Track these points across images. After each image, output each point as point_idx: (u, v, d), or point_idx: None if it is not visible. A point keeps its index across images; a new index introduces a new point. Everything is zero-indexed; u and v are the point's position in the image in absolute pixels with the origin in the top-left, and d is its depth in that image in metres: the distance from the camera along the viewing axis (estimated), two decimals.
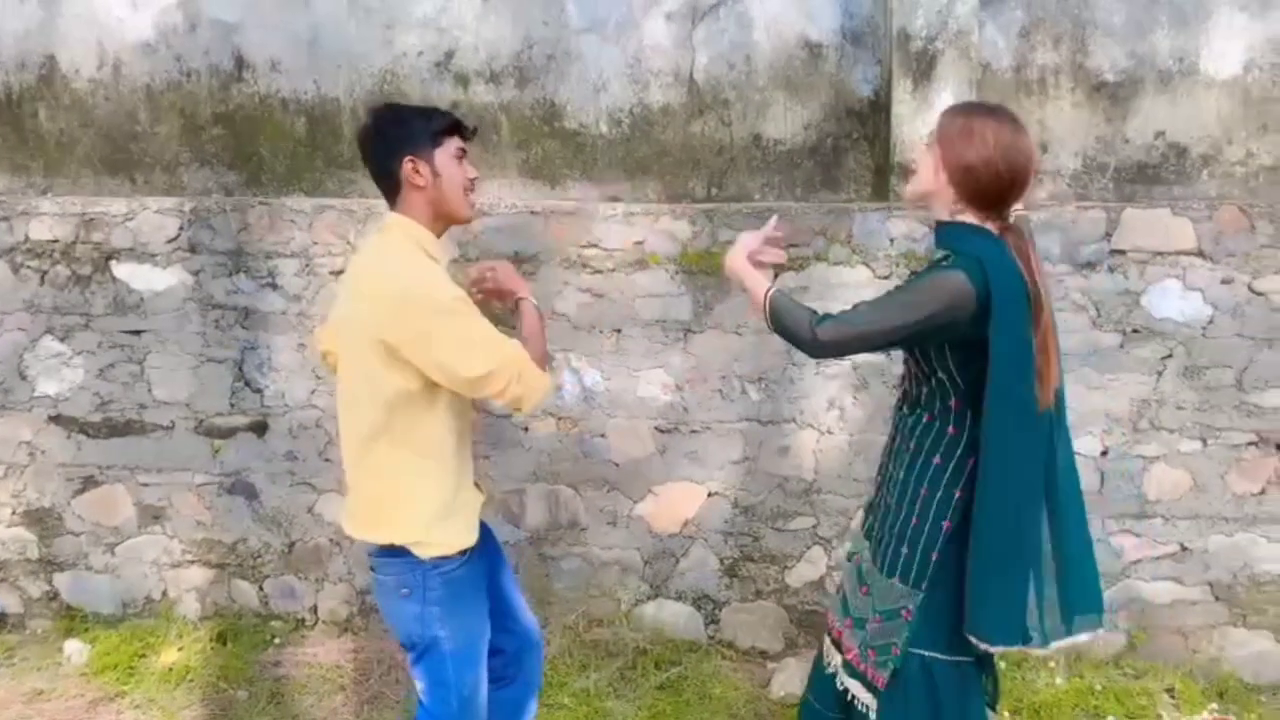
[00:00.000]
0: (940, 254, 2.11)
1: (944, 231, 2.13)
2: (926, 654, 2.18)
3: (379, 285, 2.13)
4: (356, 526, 2.29)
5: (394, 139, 2.17)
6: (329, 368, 2.45)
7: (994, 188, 2.04)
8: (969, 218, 2.08)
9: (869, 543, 2.32)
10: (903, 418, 2.26)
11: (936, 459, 2.15)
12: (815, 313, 2.09)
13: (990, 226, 2.07)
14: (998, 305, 1.98)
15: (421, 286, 2.10)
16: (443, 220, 2.23)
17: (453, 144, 2.20)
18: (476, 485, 2.39)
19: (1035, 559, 2.11)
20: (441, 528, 2.22)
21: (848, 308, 2.12)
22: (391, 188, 2.20)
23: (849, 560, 2.42)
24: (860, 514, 2.48)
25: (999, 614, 2.10)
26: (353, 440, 2.23)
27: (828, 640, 2.42)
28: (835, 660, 2.36)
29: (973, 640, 2.12)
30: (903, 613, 2.19)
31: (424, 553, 2.20)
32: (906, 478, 2.19)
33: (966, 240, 2.07)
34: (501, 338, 2.16)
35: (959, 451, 2.13)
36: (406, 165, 2.15)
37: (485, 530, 2.44)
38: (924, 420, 2.19)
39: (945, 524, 2.14)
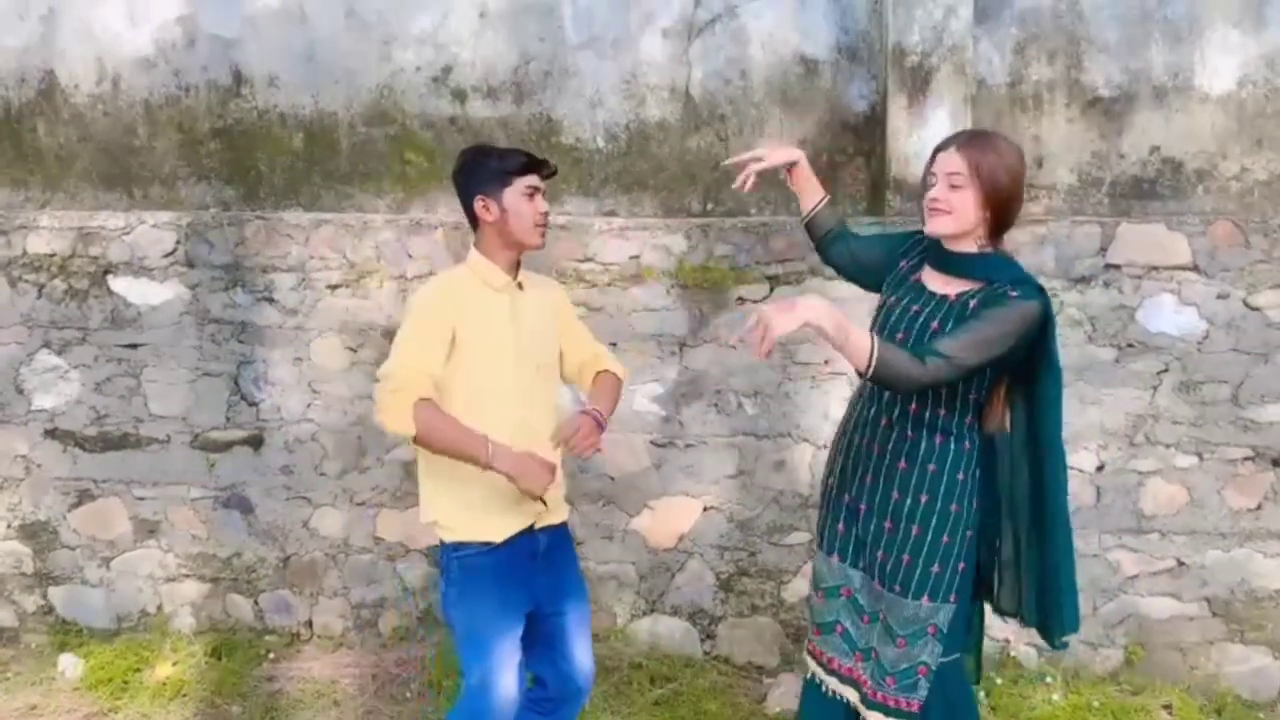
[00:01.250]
0: (1001, 285, 2.14)
1: (978, 262, 2.20)
2: (946, 660, 2.26)
3: None
4: (421, 508, 2.51)
5: (470, 178, 2.39)
6: None
7: (1016, 214, 2.22)
8: (989, 247, 2.21)
9: (858, 572, 2.32)
10: (897, 438, 2.26)
11: (960, 475, 2.22)
12: (912, 353, 2.07)
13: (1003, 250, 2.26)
14: (1050, 334, 2.16)
15: (423, 288, 2.41)
16: (513, 249, 2.42)
17: (523, 182, 2.37)
18: (541, 499, 2.38)
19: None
20: (462, 515, 2.38)
21: (939, 342, 2.08)
22: (471, 220, 2.43)
23: (835, 596, 2.37)
24: (822, 546, 2.43)
25: (1075, 602, 2.25)
26: None
27: (833, 679, 2.39)
28: (853, 696, 2.35)
29: (1061, 639, 2.26)
30: (929, 629, 2.22)
31: (446, 535, 2.41)
32: (922, 498, 2.22)
33: (1015, 269, 2.20)
34: (415, 351, 2.29)
35: (974, 465, 2.23)
36: (478, 203, 2.38)
37: (563, 554, 2.55)
38: (937, 442, 2.22)
39: (969, 534, 2.23)
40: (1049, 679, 3.38)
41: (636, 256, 3.47)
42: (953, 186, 2.14)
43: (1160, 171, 3.48)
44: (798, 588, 3.53)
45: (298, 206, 3.79)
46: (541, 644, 2.51)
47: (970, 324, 2.10)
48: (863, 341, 2.01)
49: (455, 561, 2.39)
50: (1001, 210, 2.17)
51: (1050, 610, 2.24)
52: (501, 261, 2.41)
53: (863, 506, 2.31)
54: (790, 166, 2.59)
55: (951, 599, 2.21)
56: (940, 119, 3.38)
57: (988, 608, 2.42)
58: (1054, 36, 3.46)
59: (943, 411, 2.21)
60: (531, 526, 2.43)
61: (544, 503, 2.41)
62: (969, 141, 2.18)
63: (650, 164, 3.68)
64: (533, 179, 2.39)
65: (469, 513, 2.38)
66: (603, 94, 3.66)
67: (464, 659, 2.42)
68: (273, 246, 3.60)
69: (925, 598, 2.21)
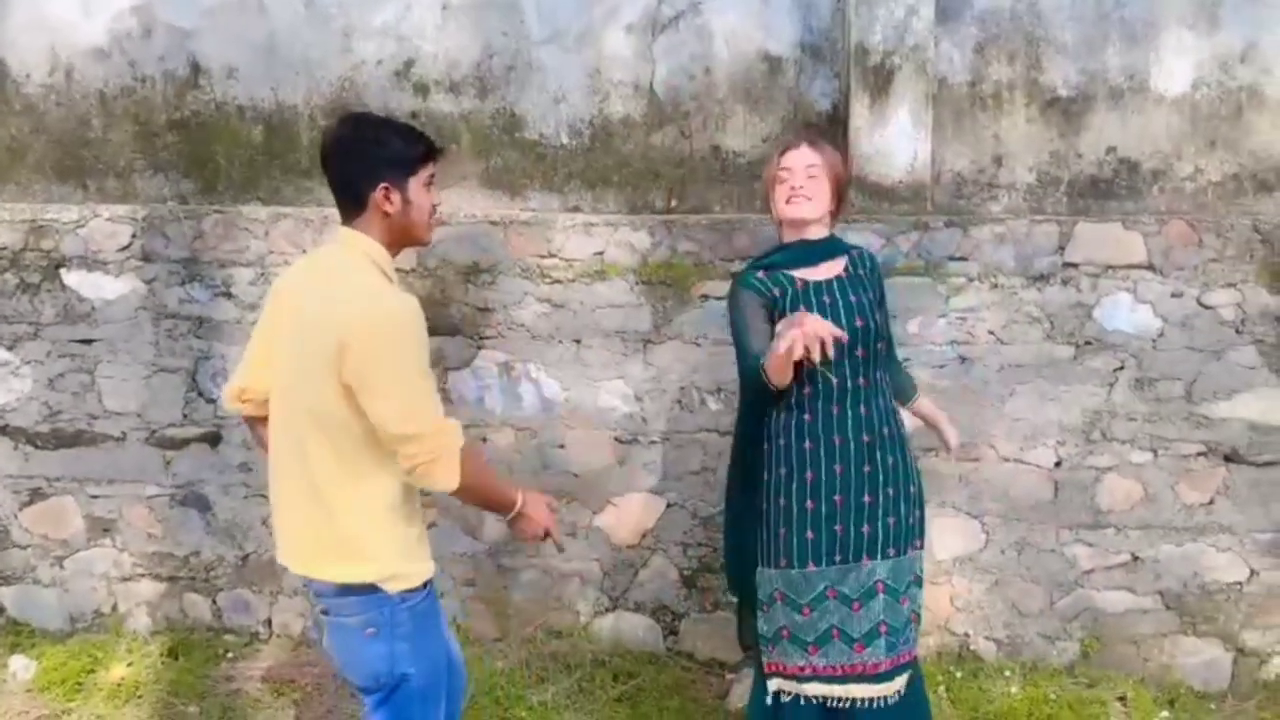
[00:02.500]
0: (860, 251, 2.65)
1: (840, 241, 2.62)
2: None
3: (350, 308, 1.99)
4: (315, 567, 2.12)
5: (373, 160, 2.05)
6: (243, 410, 2.28)
7: (845, 203, 2.73)
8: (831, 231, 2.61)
9: (885, 562, 2.45)
10: (863, 407, 2.48)
11: (903, 429, 2.60)
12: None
13: None
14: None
15: (393, 315, 2.00)
16: (400, 244, 2.15)
17: (425, 171, 2.10)
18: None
19: None
20: (407, 557, 2.12)
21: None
22: (353, 205, 2.09)
23: (822, 601, 2.43)
24: (803, 563, 2.46)
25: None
26: (319, 475, 2.07)
27: (836, 686, 2.45)
28: (861, 690, 2.44)
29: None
30: (913, 576, 2.52)
31: (394, 587, 2.08)
32: (896, 460, 2.50)
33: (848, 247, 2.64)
34: (439, 413, 2.03)
35: (899, 416, 2.64)
36: (380, 191, 2.04)
37: None
38: (879, 405, 2.51)
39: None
40: (1007, 672, 3.42)
41: (600, 253, 3.46)
42: (810, 177, 2.49)
43: (1117, 171, 3.53)
44: None
45: (257, 200, 3.74)
46: None
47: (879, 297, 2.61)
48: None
49: (404, 613, 2.10)
50: (841, 198, 2.60)
51: None
52: (392, 254, 2.13)
53: (867, 499, 2.45)
54: None
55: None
56: (901, 118, 3.41)
57: None
58: (1013, 37, 3.50)
59: (878, 374, 2.53)
60: None
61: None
62: (815, 140, 2.59)
63: (614, 160, 3.67)
64: (433, 167, 2.13)
65: (407, 544, 2.12)
66: (566, 89, 3.64)
67: (416, 713, 2.18)
68: (231, 241, 3.55)
69: (918, 541, 2.54)
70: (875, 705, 2.44)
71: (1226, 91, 3.47)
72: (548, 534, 2.26)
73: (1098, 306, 3.34)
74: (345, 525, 2.06)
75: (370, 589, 2.08)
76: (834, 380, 2.41)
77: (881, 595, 2.43)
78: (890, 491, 2.46)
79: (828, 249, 2.56)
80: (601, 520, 3.58)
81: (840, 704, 2.44)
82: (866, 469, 2.44)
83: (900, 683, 2.47)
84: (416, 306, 2.03)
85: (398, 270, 2.25)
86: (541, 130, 3.68)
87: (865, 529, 2.43)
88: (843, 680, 2.43)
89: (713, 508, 3.53)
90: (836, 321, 2.36)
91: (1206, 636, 3.44)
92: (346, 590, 2.10)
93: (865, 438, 2.45)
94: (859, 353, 2.43)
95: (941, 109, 3.50)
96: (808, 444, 2.45)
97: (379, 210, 2.07)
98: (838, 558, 2.42)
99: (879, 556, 2.43)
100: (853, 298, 2.48)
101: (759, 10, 3.56)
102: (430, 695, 2.19)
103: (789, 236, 2.58)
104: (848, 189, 2.61)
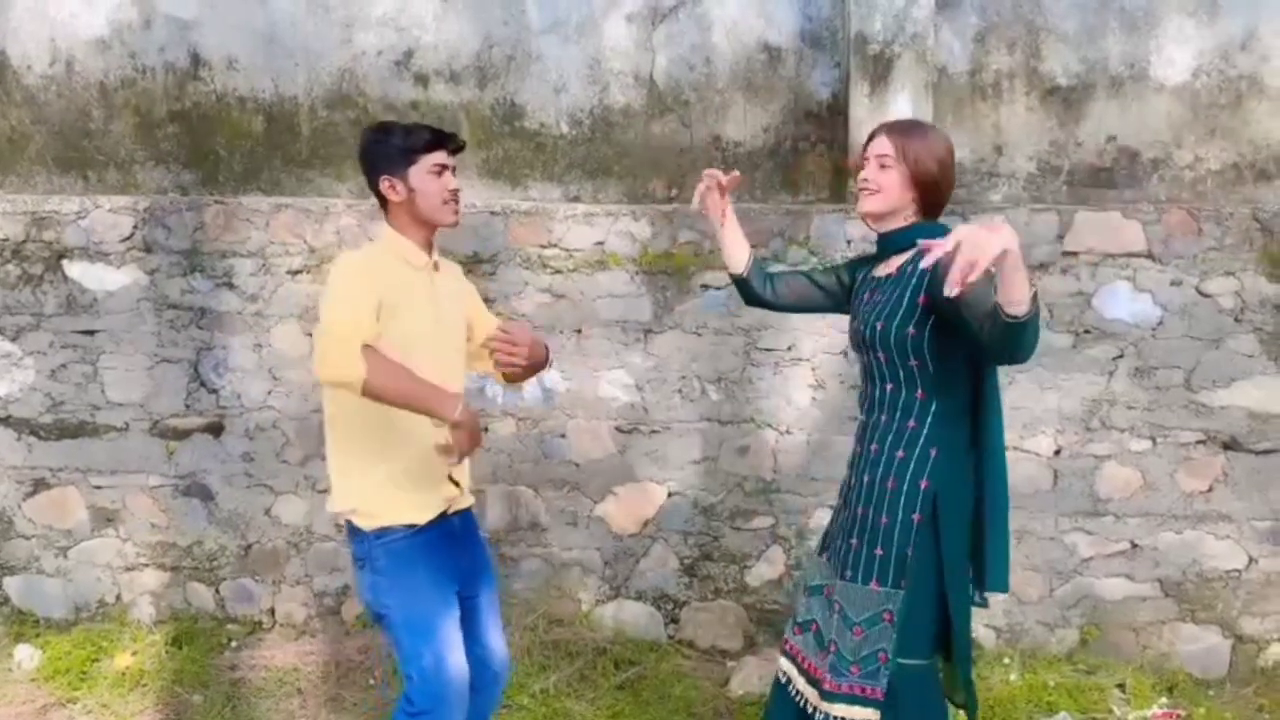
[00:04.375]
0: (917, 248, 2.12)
1: (915, 230, 2.21)
2: (907, 662, 2.20)
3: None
4: (328, 501, 2.43)
5: (373, 158, 2.32)
6: None
7: (947, 194, 2.26)
8: (921, 222, 2.23)
9: (834, 566, 2.32)
10: (863, 426, 2.31)
11: (900, 453, 2.20)
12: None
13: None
14: None
15: (337, 264, 2.28)
16: (426, 227, 2.36)
17: (430, 159, 2.29)
18: (454, 483, 2.42)
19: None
20: (382, 499, 2.32)
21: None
22: (380, 201, 2.36)
23: (817, 594, 2.38)
24: (819, 549, 2.45)
25: (1005, 564, 2.26)
26: (325, 423, 2.40)
27: (794, 669, 2.38)
28: (811, 695, 2.32)
29: (992, 595, 2.26)
30: (885, 616, 2.20)
31: (365, 523, 2.32)
32: (872, 479, 2.23)
33: (943, 232, 2.04)
34: (350, 312, 2.19)
35: (921, 442, 2.19)
36: (384, 183, 2.30)
37: (473, 539, 2.52)
38: (882, 420, 2.24)
39: (915, 516, 2.17)
40: (1006, 659, 3.44)
41: (601, 243, 3.47)
42: (881, 167, 2.23)
43: (1116, 160, 3.54)
44: (760, 572, 3.56)
45: (257, 191, 3.75)
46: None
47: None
48: (1026, 284, 1.86)
49: (379, 549, 2.32)
50: (929, 191, 2.22)
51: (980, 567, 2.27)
52: (417, 240, 2.36)
53: (845, 501, 2.34)
54: (725, 216, 2.57)
55: (901, 585, 2.17)
56: (902, 106, 3.41)
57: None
58: (1014, 25, 3.50)
59: (889, 387, 2.23)
60: (445, 511, 2.40)
61: (456, 484, 2.40)
62: (897, 127, 2.30)
63: (614, 150, 3.67)
64: (439, 155, 2.31)
65: (388, 493, 2.32)
66: (567, 79, 3.64)
67: (406, 646, 2.33)
68: (232, 231, 3.55)
69: (874, 582, 2.19)
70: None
71: (1226, 80, 3.47)
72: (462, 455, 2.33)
73: (1097, 295, 3.35)
74: (330, 461, 2.40)
75: (354, 526, 2.35)
76: (864, 382, 2.32)
77: (823, 597, 2.33)
78: (860, 511, 2.25)
79: (895, 243, 2.27)
80: (602, 509, 3.59)
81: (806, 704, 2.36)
82: (852, 479, 2.32)
83: (841, 710, 2.24)
84: (367, 254, 2.36)
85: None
86: (542, 120, 3.68)
87: (833, 527, 2.38)
88: (808, 679, 2.35)
89: (713, 496, 3.54)
90: (858, 320, 2.29)
91: (1205, 624, 3.46)
92: (349, 525, 2.38)
93: (856, 448, 2.32)
94: (880, 356, 2.24)
95: (941, 98, 3.50)
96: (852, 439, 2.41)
97: (391, 201, 2.33)
98: (820, 545, 2.44)
99: (836, 572, 2.31)
100: (881, 297, 2.25)
101: (759, 0, 3.55)
102: (417, 629, 2.33)
103: (874, 228, 2.33)
104: (939, 178, 2.22)
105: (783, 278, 2.56)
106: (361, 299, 2.21)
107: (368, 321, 2.20)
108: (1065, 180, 3.55)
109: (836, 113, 3.57)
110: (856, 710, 2.23)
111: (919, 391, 2.19)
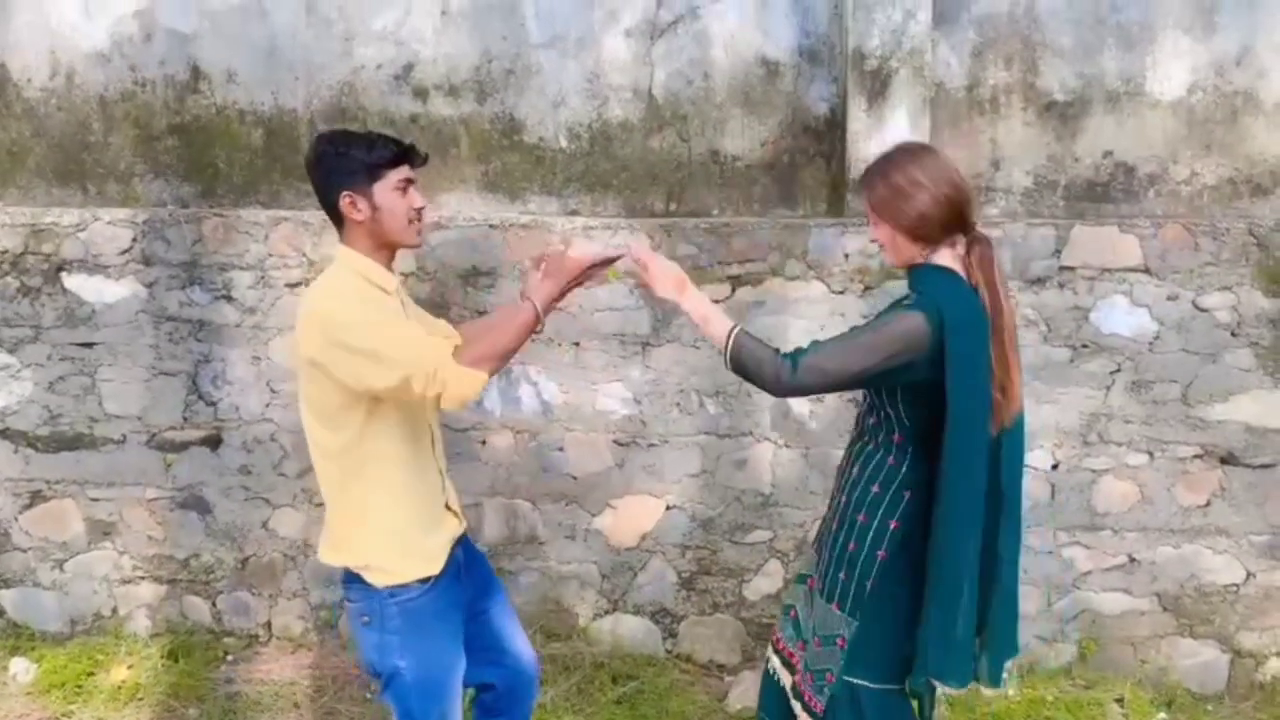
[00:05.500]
0: (905, 295, 2.15)
1: (914, 273, 2.17)
2: (857, 682, 2.20)
3: (304, 306, 2.15)
4: (323, 549, 2.28)
5: (332, 172, 2.11)
6: None
7: (950, 216, 2.10)
8: (940, 256, 2.13)
9: (816, 567, 2.37)
10: (852, 444, 2.32)
11: (875, 488, 2.19)
12: (778, 352, 2.09)
13: (958, 251, 2.14)
14: (954, 351, 2.01)
15: (330, 303, 2.10)
16: (388, 248, 2.19)
17: (395, 175, 2.12)
18: (452, 512, 2.33)
19: (974, 595, 2.13)
20: (396, 554, 2.18)
21: (806, 345, 2.11)
22: (334, 218, 2.17)
23: (801, 583, 2.44)
24: (814, 538, 2.50)
25: (957, 653, 2.13)
26: (315, 461, 2.22)
27: (776, 658, 2.43)
28: (786, 680, 2.37)
29: (934, 682, 2.16)
30: (838, 640, 2.21)
31: (377, 580, 2.17)
32: (848, 503, 2.23)
33: (929, 281, 2.11)
34: (413, 339, 2.12)
35: (896, 483, 2.18)
36: (344, 200, 2.10)
37: (473, 558, 2.42)
38: (868, 448, 2.24)
39: (880, 553, 2.17)
40: (1004, 673, 3.42)
41: None
42: (875, 224, 2.17)
43: (1113, 175, 3.55)
44: (759, 586, 3.56)
45: (256, 204, 3.76)
46: (480, 650, 2.38)
47: (850, 331, 2.15)
48: (719, 329, 2.15)
49: (393, 608, 2.17)
50: (923, 231, 2.10)
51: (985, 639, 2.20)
52: (380, 261, 2.17)
53: (830, 507, 2.36)
54: None
55: (857, 615, 2.17)
56: (899, 122, 3.42)
57: None
58: (1011, 40, 3.51)
59: (872, 419, 2.22)
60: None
61: (455, 514, 2.33)
62: (868, 182, 2.16)
63: (613, 164, 3.68)
64: (404, 170, 2.13)
65: (403, 543, 2.18)
66: (565, 93, 3.66)
67: (415, 709, 2.23)
68: (231, 244, 3.56)
69: (835, 604, 2.21)
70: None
71: (1222, 96, 3.49)
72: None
73: (1094, 309, 3.35)
74: (332, 510, 2.24)
75: (361, 577, 2.19)
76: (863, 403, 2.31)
77: (806, 587, 2.37)
78: (835, 529, 2.26)
79: (908, 282, 2.22)
80: (600, 523, 3.59)
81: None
82: (837, 493, 2.32)
83: (798, 708, 2.30)
84: (342, 288, 2.14)
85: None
86: (540, 134, 3.69)
87: (824, 548, 2.35)
88: (783, 661, 2.38)
89: (711, 510, 3.54)
90: None
91: (1203, 638, 3.46)
92: (348, 574, 2.23)
93: (844, 460, 2.32)
94: (871, 389, 2.21)
95: (939, 113, 3.51)
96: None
97: (351, 219, 2.13)
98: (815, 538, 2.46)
99: (817, 571, 2.34)
100: None
101: (757, 15, 3.57)
102: (430, 691, 2.23)
103: None
104: (929, 214, 2.08)
105: None
106: (384, 314, 2.13)
107: (410, 325, 2.15)
108: (1062, 195, 3.57)
109: (834, 127, 3.58)
110: (805, 716, 2.28)
111: (896, 435, 2.18)
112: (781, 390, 2.10)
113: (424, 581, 2.20)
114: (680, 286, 2.24)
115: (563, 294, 2.26)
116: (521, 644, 2.48)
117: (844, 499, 2.25)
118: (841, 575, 2.21)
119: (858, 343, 2.06)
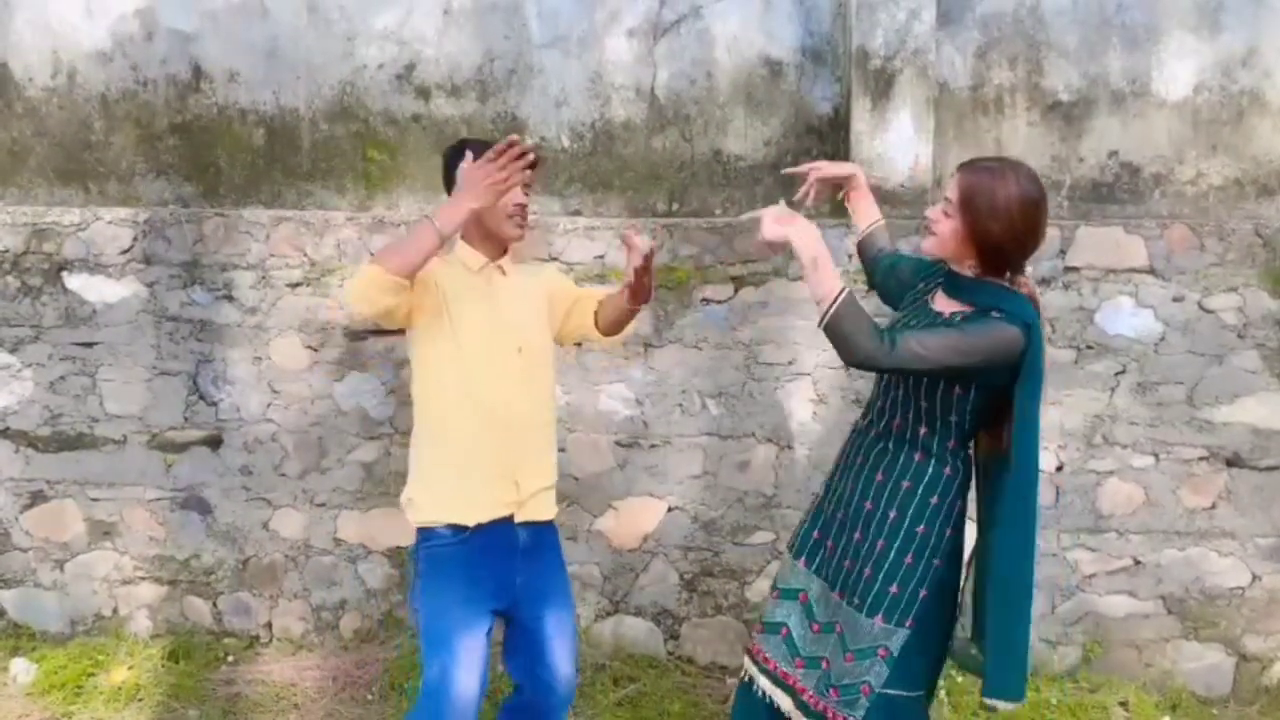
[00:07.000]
0: (990, 308, 2.10)
1: (973, 288, 2.14)
2: (894, 692, 2.17)
3: None
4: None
5: (449, 174, 2.43)
6: None
7: (1016, 255, 2.11)
8: (987, 277, 2.13)
9: (819, 581, 2.31)
10: (879, 450, 2.26)
11: (934, 499, 2.18)
12: (878, 327, 2.06)
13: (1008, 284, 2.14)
14: (1032, 369, 2.06)
15: None
16: (492, 240, 2.42)
17: None
18: (518, 488, 2.39)
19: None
20: (431, 494, 2.36)
21: (901, 329, 2.13)
22: None
23: (790, 599, 2.37)
24: (792, 550, 2.43)
25: (1016, 672, 2.14)
26: None
27: (765, 679, 2.36)
28: (785, 702, 2.31)
29: (995, 703, 2.13)
30: (879, 651, 2.17)
31: (417, 516, 2.37)
32: (890, 513, 2.19)
33: (1008, 301, 2.09)
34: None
35: (954, 491, 2.19)
36: None
37: (544, 554, 2.47)
38: (915, 459, 2.20)
39: (937, 562, 2.18)
40: None
41: (602, 256, 3.46)
42: (945, 212, 2.12)
43: (1118, 175, 3.53)
44: (761, 588, 3.54)
45: (258, 204, 3.75)
46: (521, 651, 2.45)
47: (944, 328, 2.10)
48: (832, 283, 2.02)
49: (423, 551, 2.36)
50: (989, 253, 2.08)
51: (990, 668, 2.16)
52: (483, 251, 2.42)
53: (840, 515, 2.29)
54: (850, 183, 2.60)
55: (908, 624, 2.15)
56: (903, 122, 3.41)
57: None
58: (1015, 40, 3.50)
59: (923, 429, 2.19)
60: (511, 518, 2.37)
61: (519, 489, 2.39)
62: (972, 171, 2.11)
63: (615, 164, 3.67)
64: None
65: (442, 480, 2.34)
66: (568, 93, 3.65)
67: (424, 653, 2.35)
68: (232, 244, 3.55)
69: (879, 617, 2.16)
70: None
71: (1228, 96, 3.47)
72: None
73: (1099, 310, 3.34)
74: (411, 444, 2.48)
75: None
76: (874, 399, 2.31)
77: (798, 603, 2.32)
78: (856, 536, 2.24)
79: (958, 287, 2.19)
80: (602, 524, 3.57)
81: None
82: (848, 488, 2.29)
83: None
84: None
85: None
86: (543, 134, 3.68)
87: (815, 534, 2.35)
88: (774, 681, 2.33)
89: (713, 511, 3.52)
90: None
91: (1208, 641, 3.44)
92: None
93: (860, 459, 2.29)
94: (893, 395, 2.23)
95: (943, 113, 3.50)
96: (843, 444, 2.41)
97: None
98: (794, 549, 2.40)
99: (814, 569, 2.32)
100: (917, 324, 2.23)
101: (760, 14, 3.56)
102: (434, 640, 2.33)
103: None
104: (1001, 240, 2.06)
105: (893, 260, 2.51)
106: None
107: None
108: (1067, 195, 3.55)
109: (838, 127, 3.56)
110: None
111: (952, 442, 2.18)
112: (871, 361, 2.03)
113: (455, 531, 2.33)
114: (790, 218, 2.09)
115: (638, 277, 2.39)
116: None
117: (880, 509, 2.20)
118: (893, 589, 2.16)
119: (956, 340, 2.05)
